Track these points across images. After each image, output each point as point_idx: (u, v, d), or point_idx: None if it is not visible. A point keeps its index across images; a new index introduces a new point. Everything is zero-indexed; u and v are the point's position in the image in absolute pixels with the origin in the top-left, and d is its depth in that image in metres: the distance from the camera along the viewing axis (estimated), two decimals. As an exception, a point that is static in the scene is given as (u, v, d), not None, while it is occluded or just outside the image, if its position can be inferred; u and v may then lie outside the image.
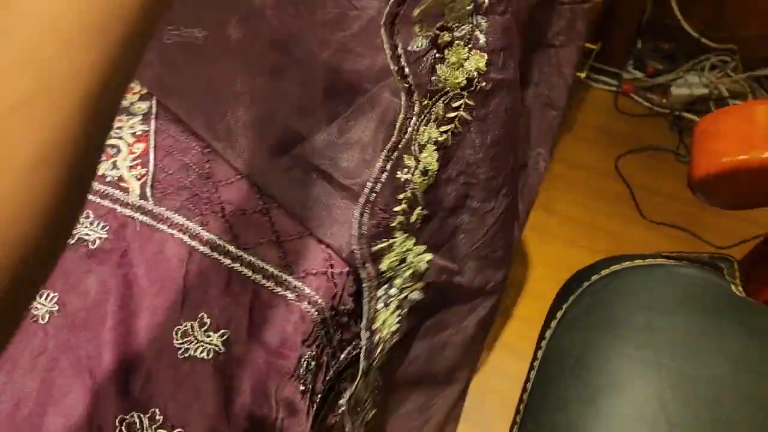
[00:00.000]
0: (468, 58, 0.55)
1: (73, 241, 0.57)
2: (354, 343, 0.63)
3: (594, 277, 0.91)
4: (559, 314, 0.89)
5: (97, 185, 0.60)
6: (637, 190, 1.72)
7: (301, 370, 0.54)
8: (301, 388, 0.54)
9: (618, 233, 1.64)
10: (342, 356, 0.62)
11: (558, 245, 1.62)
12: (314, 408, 0.57)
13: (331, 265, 0.56)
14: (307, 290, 0.54)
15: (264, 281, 0.54)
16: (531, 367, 0.86)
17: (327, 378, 0.60)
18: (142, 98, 0.66)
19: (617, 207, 1.70)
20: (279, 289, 0.54)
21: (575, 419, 0.76)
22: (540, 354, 0.87)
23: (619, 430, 0.75)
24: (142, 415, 0.48)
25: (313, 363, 0.55)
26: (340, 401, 0.66)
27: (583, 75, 1.72)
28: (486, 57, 0.56)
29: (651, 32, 1.80)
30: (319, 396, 0.58)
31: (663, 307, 0.85)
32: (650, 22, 1.77)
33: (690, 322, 0.83)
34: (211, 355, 0.51)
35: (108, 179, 0.61)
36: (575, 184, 1.73)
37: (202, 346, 0.51)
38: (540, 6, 0.86)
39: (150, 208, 0.59)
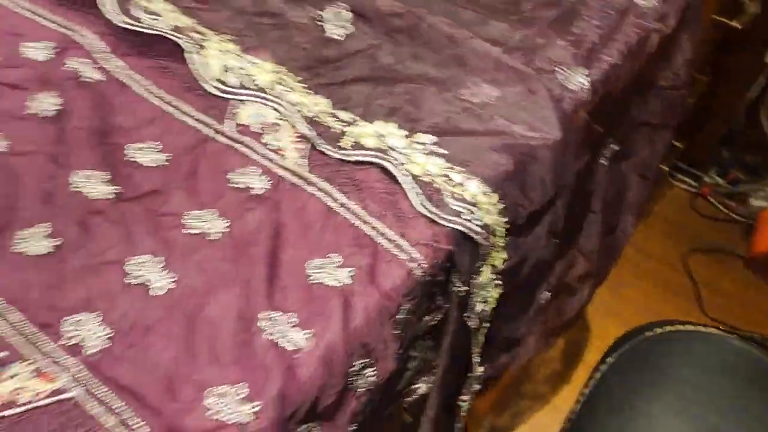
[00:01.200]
0: None
1: (243, 187, 0.74)
2: (433, 315, 0.76)
3: (648, 333, 1.00)
4: (609, 359, 0.99)
5: (261, 150, 0.77)
6: (702, 287, 1.77)
7: (399, 316, 0.67)
8: (396, 331, 0.67)
9: (677, 324, 1.69)
10: (421, 323, 0.75)
11: (615, 323, 1.68)
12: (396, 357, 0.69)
13: (437, 241, 0.70)
14: (417, 255, 0.68)
15: (384, 241, 0.69)
16: (577, 401, 0.96)
17: (408, 339, 0.72)
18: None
19: (679, 299, 1.76)
20: (395, 251, 0.68)
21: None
22: (587, 391, 0.96)
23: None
24: (282, 314, 0.62)
25: (407, 315, 0.68)
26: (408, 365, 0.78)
27: (666, 169, 1.82)
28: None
29: (737, 142, 1.89)
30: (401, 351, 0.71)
31: (709, 368, 0.93)
32: (738, 132, 1.86)
33: (732, 386, 0.91)
34: (338, 284, 0.65)
35: (270, 146, 0.78)
36: (642, 271, 1.80)
37: (331, 277, 0.66)
38: (637, 87, 1.01)
39: (303, 174, 0.75)
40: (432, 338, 0.81)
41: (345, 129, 0.79)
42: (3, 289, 0.63)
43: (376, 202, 0.73)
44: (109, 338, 0.61)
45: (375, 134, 0.78)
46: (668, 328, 1.01)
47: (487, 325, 0.84)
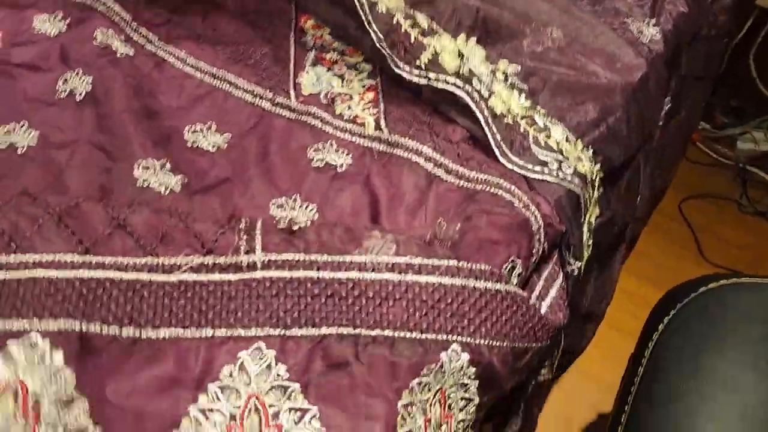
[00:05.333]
0: None
1: (322, 165, 0.65)
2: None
3: (702, 288, 0.97)
4: (666, 319, 0.95)
5: (335, 122, 0.69)
6: (700, 233, 1.78)
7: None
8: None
9: (680, 271, 1.69)
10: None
11: (622, 276, 1.67)
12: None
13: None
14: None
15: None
16: (639, 363, 0.92)
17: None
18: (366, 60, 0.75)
19: (681, 247, 1.76)
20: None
21: (692, 410, 0.81)
22: (647, 352, 0.92)
23: (731, 425, 0.80)
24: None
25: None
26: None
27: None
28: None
29: (722, 86, 1.90)
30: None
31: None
32: (723, 76, 1.86)
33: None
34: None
35: (345, 117, 0.69)
36: (642, 222, 1.80)
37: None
38: (691, 44, 0.96)
39: (386, 137, 0.67)
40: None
41: (423, 39, 0.70)
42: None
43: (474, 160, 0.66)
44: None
45: (456, 52, 0.70)
46: (721, 281, 0.98)
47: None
